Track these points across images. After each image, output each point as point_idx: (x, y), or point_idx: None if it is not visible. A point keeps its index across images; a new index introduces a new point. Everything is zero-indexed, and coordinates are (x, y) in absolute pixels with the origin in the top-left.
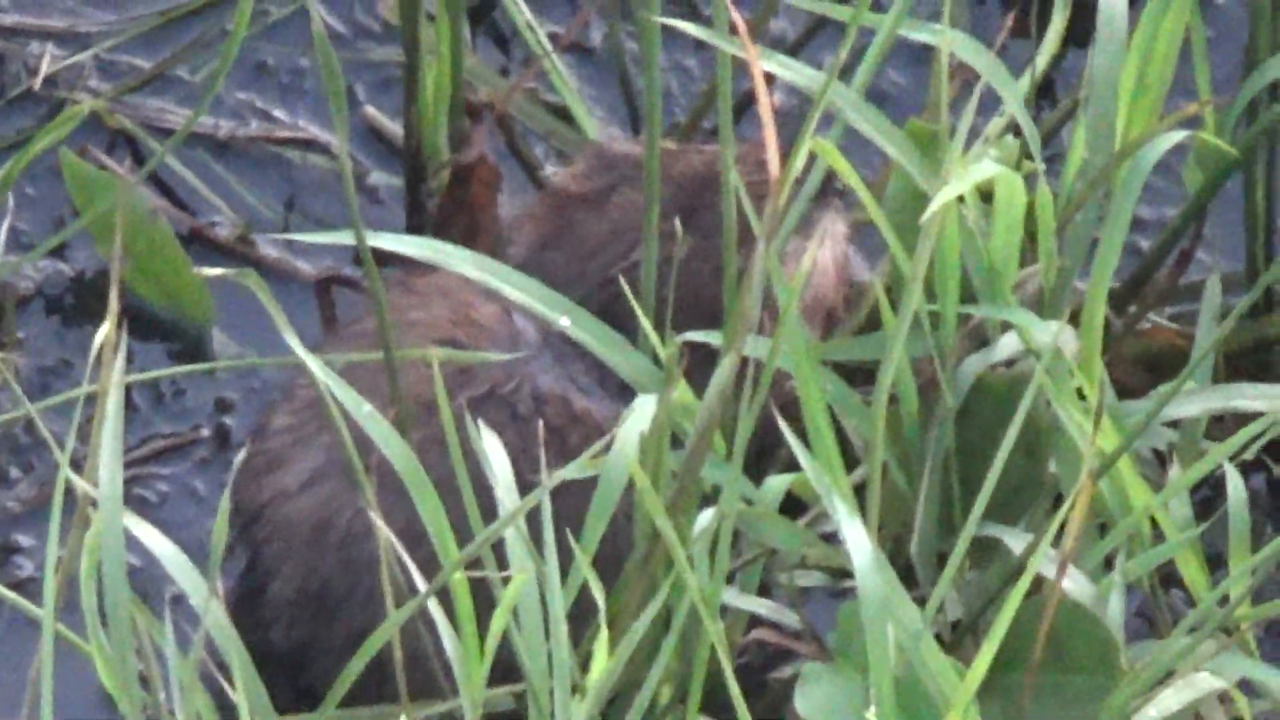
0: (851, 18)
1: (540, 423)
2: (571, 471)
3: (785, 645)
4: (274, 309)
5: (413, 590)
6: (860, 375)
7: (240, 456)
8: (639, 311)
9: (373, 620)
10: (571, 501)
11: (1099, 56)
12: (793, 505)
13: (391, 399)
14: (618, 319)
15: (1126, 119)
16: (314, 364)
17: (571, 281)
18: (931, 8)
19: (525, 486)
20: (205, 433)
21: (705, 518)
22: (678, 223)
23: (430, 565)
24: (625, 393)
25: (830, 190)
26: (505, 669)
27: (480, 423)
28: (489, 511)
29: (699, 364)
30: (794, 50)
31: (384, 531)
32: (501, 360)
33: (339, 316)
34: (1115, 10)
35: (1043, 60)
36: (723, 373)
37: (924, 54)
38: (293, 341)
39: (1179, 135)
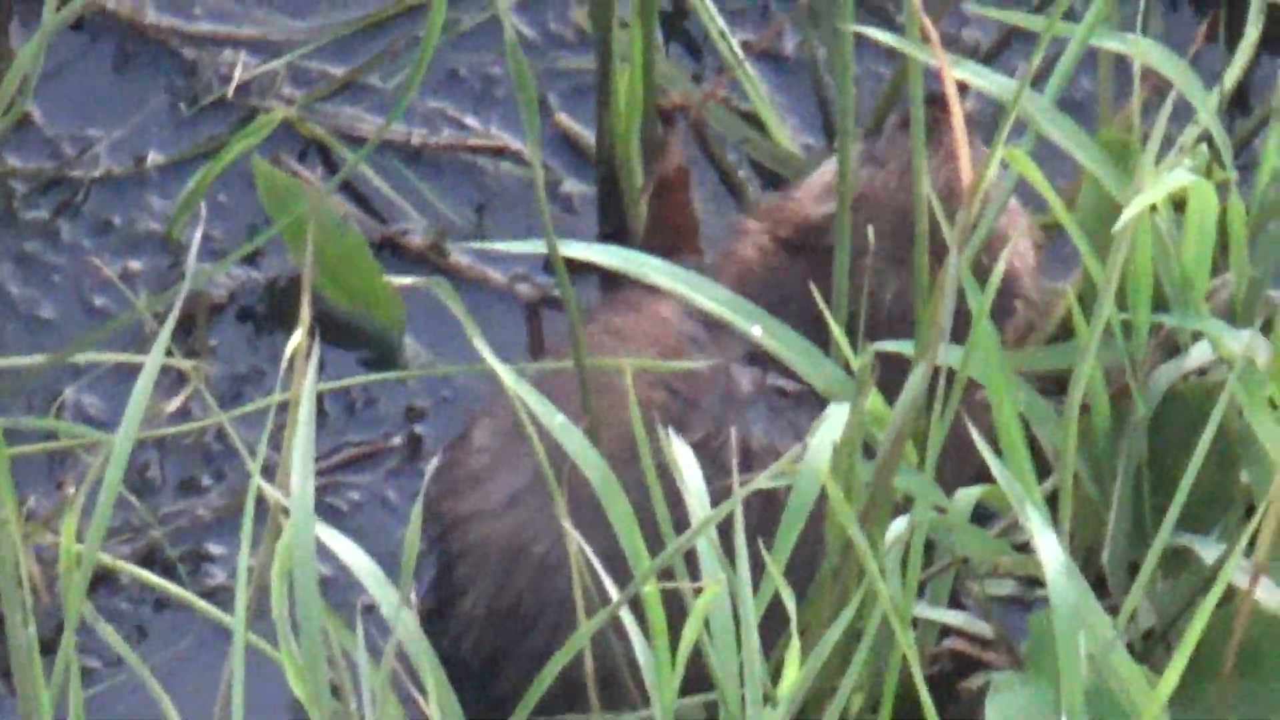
0: (1045, 26)
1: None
2: (763, 481)
3: (977, 655)
4: (465, 317)
5: (605, 603)
6: (1052, 384)
7: (433, 465)
8: (831, 321)
9: (563, 640)
10: (765, 516)
11: None
12: (982, 514)
13: (583, 408)
14: None
15: None
16: (504, 371)
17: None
18: (1123, 14)
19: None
20: (397, 441)
21: (898, 526)
22: (870, 233)
23: (624, 582)
24: None
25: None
26: (696, 679)
27: (673, 433)
28: (683, 525)
29: (892, 377)
30: (987, 59)
31: (574, 540)
32: (712, 411)
33: (546, 338)
34: None
35: (1236, 68)
36: (915, 381)
37: (1115, 62)
38: (483, 349)
39: None
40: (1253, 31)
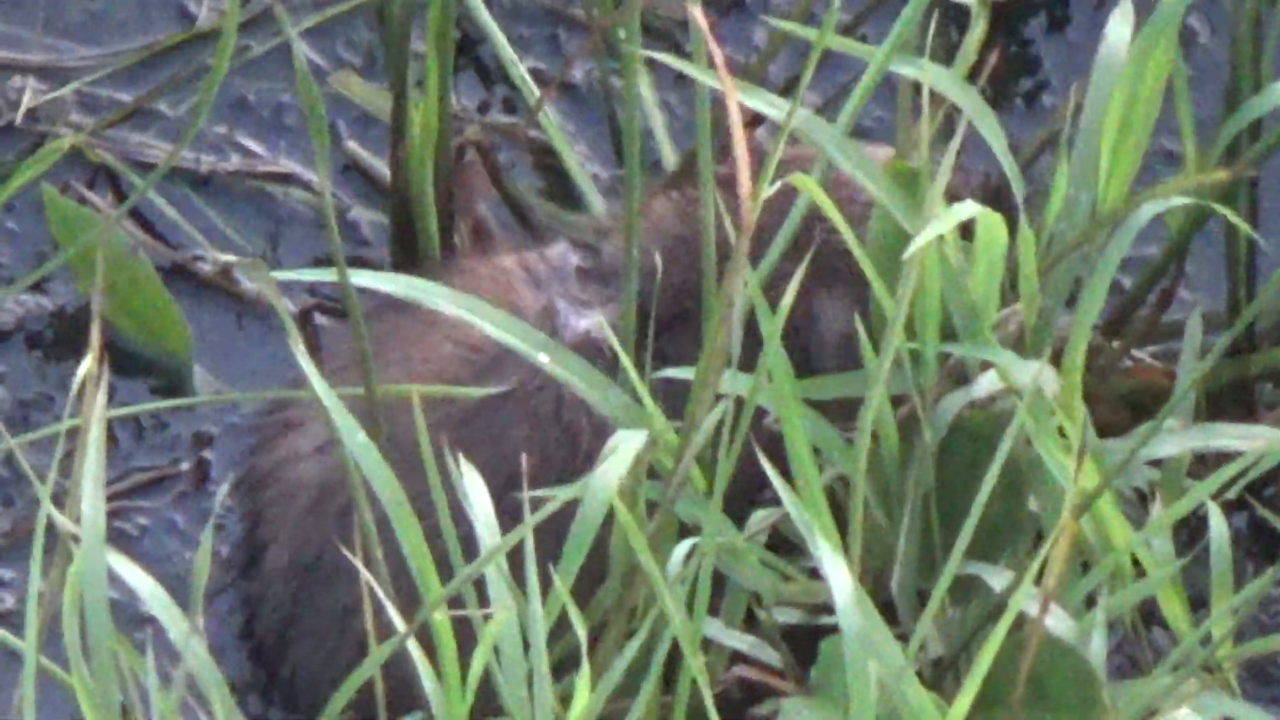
0: (816, 38)
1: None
2: (556, 504)
3: (767, 682)
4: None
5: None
6: (838, 412)
7: (222, 490)
8: (619, 349)
9: (358, 601)
10: (562, 527)
11: (1092, 93)
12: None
13: (372, 435)
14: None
15: (1111, 157)
16: (323, 390)
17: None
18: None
19: (533, 487)
20: (185, 466)
21: (681, 550)
22: (657, 257)
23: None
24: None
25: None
26: (486, 704)
27: (462, 458)
28: (475, 543)
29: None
30: (785, 91)
31: (364, 571)
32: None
33: (326, 346)
34: (1116, 48)
35: (965, 56)
36: (699, 410)
37: (913, 91)
38: (302, 359)
39: (1169, 203)
40: (978, 28)
